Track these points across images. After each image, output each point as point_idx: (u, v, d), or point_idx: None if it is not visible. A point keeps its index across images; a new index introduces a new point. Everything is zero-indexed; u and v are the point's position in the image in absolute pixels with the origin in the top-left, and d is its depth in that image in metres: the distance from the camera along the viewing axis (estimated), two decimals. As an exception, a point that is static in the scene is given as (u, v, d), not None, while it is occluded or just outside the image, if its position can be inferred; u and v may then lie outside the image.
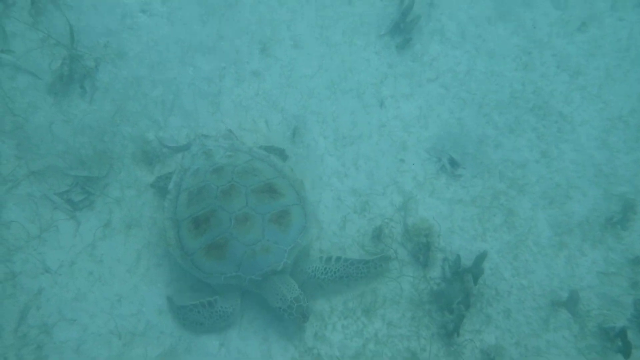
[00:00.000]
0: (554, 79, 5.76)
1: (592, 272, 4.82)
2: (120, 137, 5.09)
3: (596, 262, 4.88)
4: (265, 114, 5.46)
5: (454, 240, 4.97)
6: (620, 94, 5.67)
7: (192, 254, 4.23)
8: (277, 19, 5.82)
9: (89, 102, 5.15)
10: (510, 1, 6.07)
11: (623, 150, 5.41)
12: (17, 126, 4.89)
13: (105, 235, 4.69)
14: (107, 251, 4.62)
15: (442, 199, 5.20)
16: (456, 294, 4.49)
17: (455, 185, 5.29)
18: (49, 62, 5.16)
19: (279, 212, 4.29)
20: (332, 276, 4.40)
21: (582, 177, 5.28)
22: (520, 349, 4.42)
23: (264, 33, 5.75)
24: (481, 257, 4.52)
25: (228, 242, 4.16)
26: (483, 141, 5.50)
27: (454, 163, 5.37)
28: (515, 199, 5.19)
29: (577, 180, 5.27)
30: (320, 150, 5.39)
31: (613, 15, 6.07)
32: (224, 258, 4.14)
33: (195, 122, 5.29)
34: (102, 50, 5.34)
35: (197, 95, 5.40)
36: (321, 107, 5.58)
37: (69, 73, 5.10)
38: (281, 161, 4.79)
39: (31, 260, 4.46)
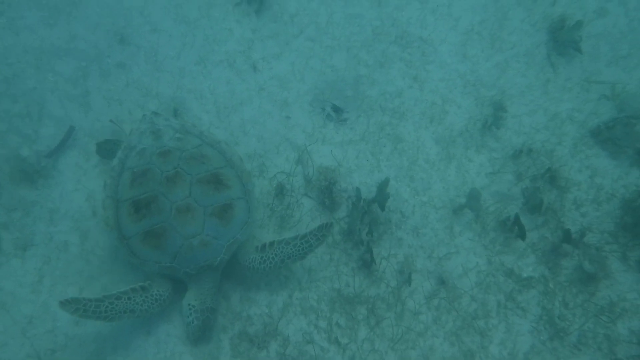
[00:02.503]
0: (406, 8, 6.03)
1: (482, 175, 5.17)
2: (-10, 161, 4.79)
3: (483, 164, 5.23)
4: (141, 102, 5.33)
5: (353, 178, 5.13)
6: (467, 9, 6.04)
7: (128, 237, 4.13)
8: (128, 6, 5.66)
9: (-54, 133, 4.81)
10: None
11: (482, 58, 5.79)
12: None
13: (-1, 263, 4.44)
14: (5, 278, 4.37)
15: (333, 144, 5.34)
16: (364, 226, 4.67)
17: (343, 128, 5.45)
18: None
19: (221, 206, 4.20)
20: (271, 264, 4.27)
21: (453, 91, 5.61)
22: (433, 260, 4.68)
23: (118, 23, 5.58)
24: (383, 184, 4.69)
25: (166, 231, 4.06)
26: (358, 81, 5.69)
27: (337, 109, 5.52)
28: (399, 126, 5.43)
29: (449, 95, 5.59)
30: (205, 125, 5.35)
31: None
32: (160, 247, 4.06)
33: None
34: (-54, 77, 4.98)
35: (64, 100, 5.17)
36: (195, 83, 5.53)
37: None
38: (230, 148, 4.64)
39: None
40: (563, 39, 5.77)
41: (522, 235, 4.57)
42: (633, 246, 4.61)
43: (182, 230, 4.07)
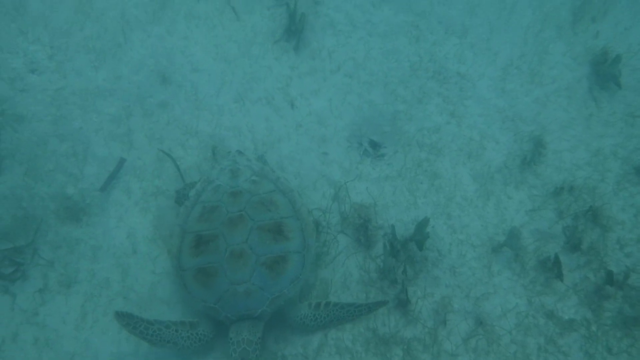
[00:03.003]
0: (444, 43, 6.04)
1: (521, 212, 5.06)
2: (38, 199, 4.99)
3: (522, 201, 5.13)
4: (181, 140, 5.47)
5: (390, 214, 5.11)
6: (506, 42, 6.01)
7: (184, 269, 4.27)
8: (170, 47, 5.86)
9: (-2, 173, 5.05)
10: (388, -19, 6.35)
11: (522, 93, 5.72)
12: None
13: (44, 300, 4.58)
14: (50, 315, 4.52)
15: (370, 180, 5.34)
16: (399, 264, 4.63)
17: (380, 164, 5.45)
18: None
19: (275, 257, 4.19)
20: (322, 322, 4.31)
21: (491, 127, 5.55)
22: (471, 300, 4.59)
23: (161, 64, 5.78)
24: (423, 223, 4.65)
25: (217, 272, 4.14)
26: (396, 117, 5.70)
27: (374, 144, 5.54)
28: (436, 162, 5.40)
29: (488, 131, 5.53)
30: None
31: (484, -26, 6.45)
32: (208, 287, 4.13)
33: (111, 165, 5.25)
34: (-1, 119, 5.25)
35: (108, 139, 5.36)
36: (234, 121, 5.65)
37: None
38: (301, 199, 4.68)
39: (-28, 343, 4.32)
40: (605, 73, 5.66)
41: (560, 276, 4.45)
42: (683, 290, 4.42)
43: (231, 275, 4.11)
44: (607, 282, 4.42)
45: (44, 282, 4.66)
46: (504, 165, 5.32)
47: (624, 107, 5.59)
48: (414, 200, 5.18)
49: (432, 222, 5.02)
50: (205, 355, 4.34)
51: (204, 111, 5.65)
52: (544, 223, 4.97)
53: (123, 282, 4.73)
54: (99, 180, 5.17)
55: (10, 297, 4.57)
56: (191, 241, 4.34)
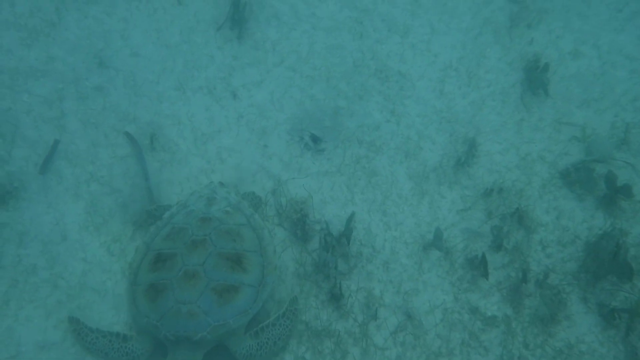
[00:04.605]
0: (387, 42, 6.15)
1: (453, 211, 5.25)
2: (-40, 182, 4.75)
3: (454, 201, 5.32)
4: (118, 126, 5.33)
5: (327, 210, 5.19)
6: (446, 45, 6.18)
7: (137, 284, 4.23)
8: (108, 29, 5.68)
9: None
10: (335, -24, 6.37)
11: (459, 95, 5.91)
12: None
13: (-36, 288, 4.39)
14: (-31, 303, 4.34)
15: (310, 174, 5.39)
16: (333, 259, 4.72)
17: (320, 159, 5.51)
18: None
19: (227, 285, 4.11)
20: (268, 350, 4.20)
21: (428, 127, 5.72)
22: (401, 295, 4.74)
23: (97, 46, 5.59)
24: (350, 218, 4.77)
25: (166, 290, 4.06)
26: (337, 112, 5.76)
27: (315, 139, 5.58)
28: (374, 159, 5.50)
29: (425, 131, 5.69)
30: (182, 153, 5.38)
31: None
32: (154, 303, 4.06)
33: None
34: None
35: (39, 122, 5.16)
36: (174, 109, 5.55)
37: None
38: (271, 238, 4.59)
39: None
40: (536, 79, 5.92)
41: (485, 275, 4.66)
42: (593, 289, 4.72)
43: (178, 293, 4.04)
44: (522, 280, 4.67)
45: (-37, 269, 4.47)
46: (439, 165, 5.49)
47: (553, 114, 5.86)
48: (352, 197, 5.27)
49: (368, 218, 5.13)
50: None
51: (143, 97, 5.52)
52: (474, 222, 5.18)
53: (51, 269, 4.60)
54: (28, 163, 4.97)
55: None
56: (152, 258, 4.31)
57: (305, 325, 4.51)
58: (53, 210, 4.87)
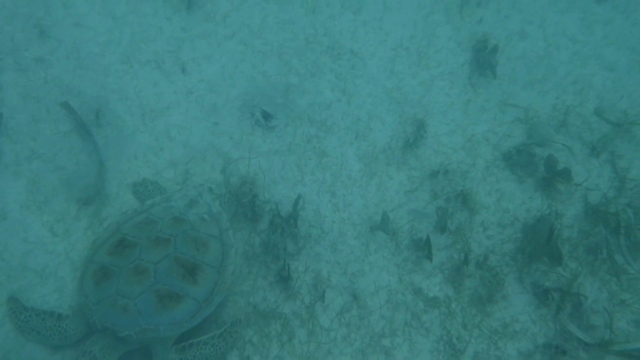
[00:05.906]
0: (340, 18, 6.09)
1: (400, 193, 5.38)
2: None
3: (402, 182, 5.44)
4: (61, 100, 5.13)
5: (278, 190, 5.22)
6: (398, 23, 6.16)
7: (91, 262, 4.19)
8: (49, -3, 5.40)
9: None
10: (289, -53, 6.20)
11: (409, 75, 5.96)
12: None
13: None
14: None
15: (260, 153, 5.38)
16: (282, 240, 4.79)
17: (271, 137, 5.50)
18: None
19: (171, 292, 4.00)
20: None
21: (378, 107, 5.77)
22: (348, 277, 4.88)
23: (38, 14, 5.31)
24: (296, 201, 4.83)
25: (113, 276, 4.03)
26: (289, 89, 5.72)
27: (266, 115, 5.55)
28: (325, 139, 5.54)
29: (375, 111, 5.74)
30: (129, 129, 5.26)
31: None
32: (97, 286, 4.02)
33: (-20, 126, 4.85)
34: None
35: (-26, 96, 4.93)
36: (121, 83, 5.39)
37: None
38: (236, 258, 4.48)
39: None
40: (484, 60, 6.02)
41: (429, 256, 4.85)
42: (529, 269, 4.99)
43: (122, 285, 3.99)
44: (464, 262, 4.89)
45: None
46: (388, 146, 5.58)
47: (499, 94, 6.01)
48: (302, 177, 5.32)
49: (317, 199, 5.21)
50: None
51: (88, 70, 5.33)
52: (420, 204, 5.33)
53: (-10, 250, 4.50)
54: (-35, 141, 4.77)
55: None
56: (115, 241, 4.26)
57: (254, 307, 4.61)
58: (-7, 189, 4.72)
